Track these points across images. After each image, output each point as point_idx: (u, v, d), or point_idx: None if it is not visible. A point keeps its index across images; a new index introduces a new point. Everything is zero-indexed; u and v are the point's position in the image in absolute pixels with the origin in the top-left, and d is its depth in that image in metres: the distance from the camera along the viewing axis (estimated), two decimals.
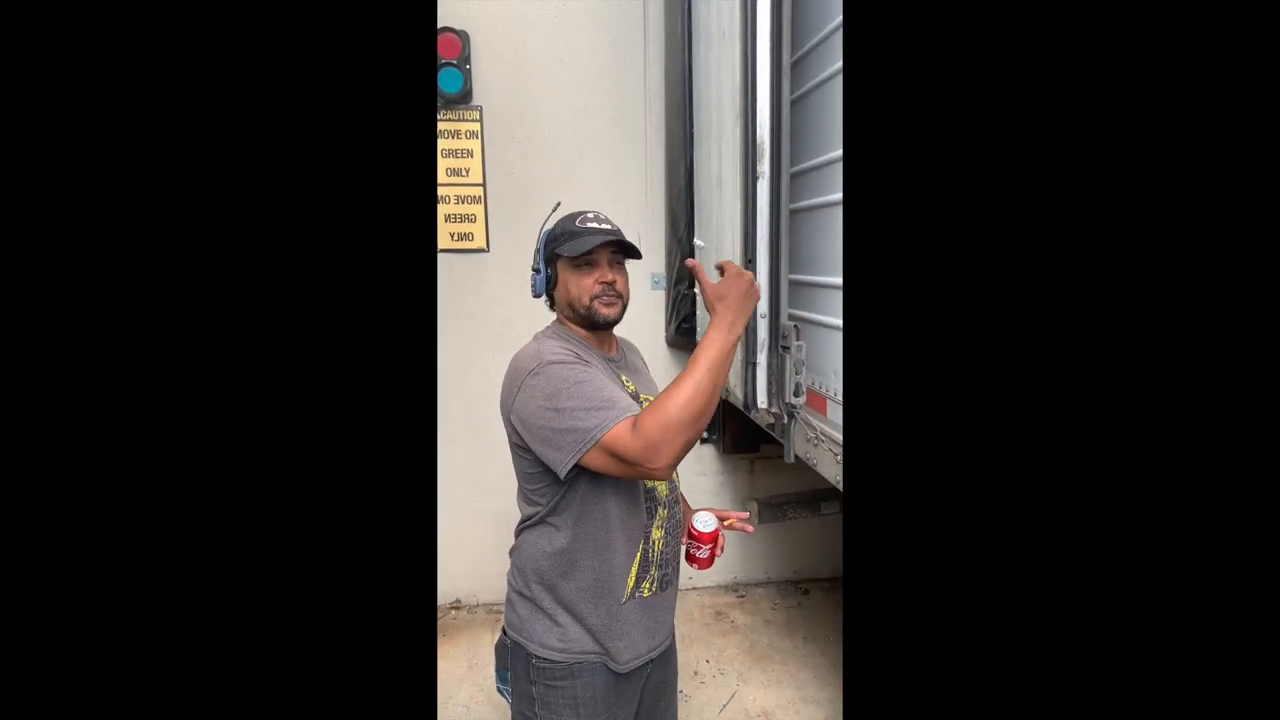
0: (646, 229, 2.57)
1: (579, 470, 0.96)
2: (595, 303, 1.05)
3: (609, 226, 1.06)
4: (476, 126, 2.45)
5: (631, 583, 1.05)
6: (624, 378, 1.11)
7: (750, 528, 1.21)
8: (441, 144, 2.44)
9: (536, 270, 1.10)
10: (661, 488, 1.10)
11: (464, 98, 2.39)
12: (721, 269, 0.98)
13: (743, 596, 2.78)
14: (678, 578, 1.15)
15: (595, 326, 1.08)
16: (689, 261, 1.03)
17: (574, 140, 2.51)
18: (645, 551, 1.07)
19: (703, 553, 1.13)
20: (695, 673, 2.26)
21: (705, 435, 2.70)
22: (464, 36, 2.34)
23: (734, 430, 2.56)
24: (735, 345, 0.95)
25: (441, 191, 2.47)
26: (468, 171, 2.47)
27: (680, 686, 2.16)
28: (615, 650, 1.04)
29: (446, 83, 2.33)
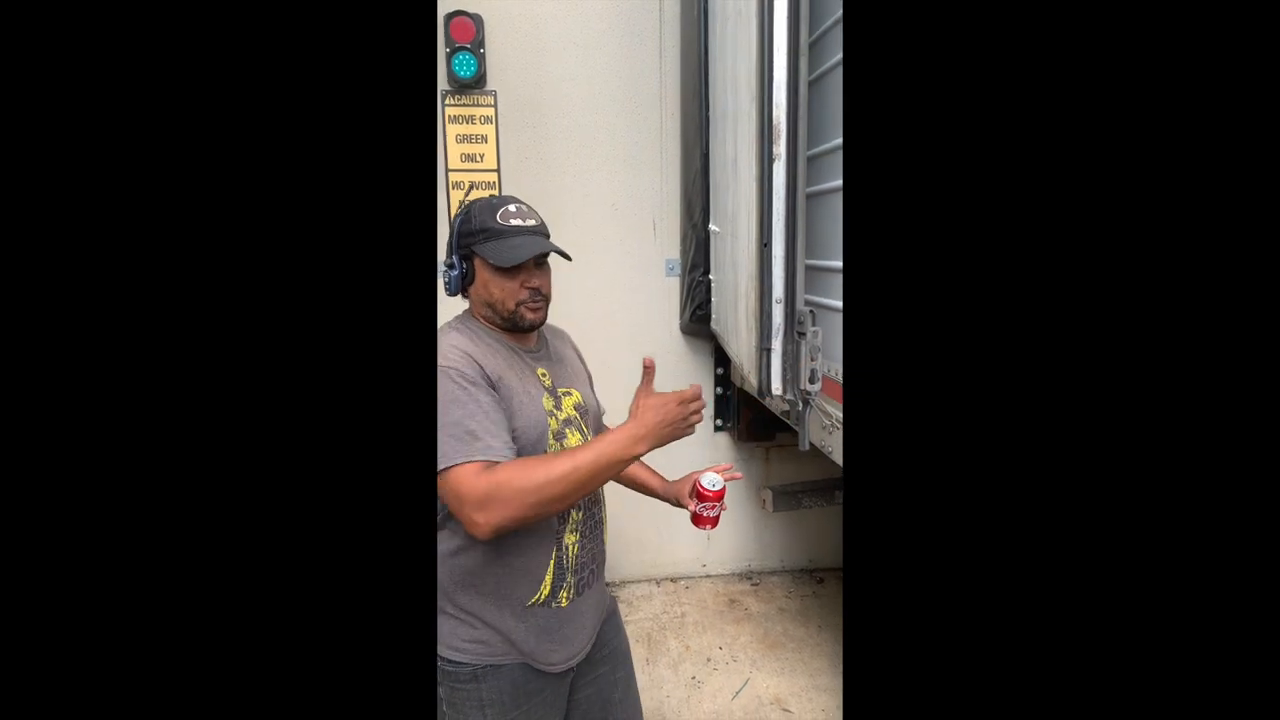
0: (661, 214, 2.55)
1: None
2: (521, 308, 0.99)
3: (534, 222, 1.00)
4: (491, 111, 2.44)
5: (546, 591, 1.00)
6: (540, 370, 1.05)
7: (739, 475, 1.18)
8: (456, 129, 2.44)
9: (450, 266, 1.01)
10: None
11: (478, 82, 2.38)
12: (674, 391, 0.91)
13: (757, 584, 2.78)
14: (600, 576, 1.11)
15: (519, 330, 1.02)
16: (646, 360, 0.95)
17: (589, 125, 2.48)
18: (559, 559, 1.02)
19: (714, 511, 1.12)
20: (708, 659, 2.26)
21: (719, 423, 2.69)
22: (478, 20, 2.32)
23: (748, 418, 2.55)
24: (631, 462, 0.90)
25: (455, 177, 2.47)
26: (482, 157, 2.46)
27: (692, 673, 2.17)
28: (528, 652, 1.00)
29: (461, 67, 2.32)
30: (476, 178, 2.48)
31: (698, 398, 0.92)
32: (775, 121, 1.32)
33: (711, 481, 1.12)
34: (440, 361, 0.92)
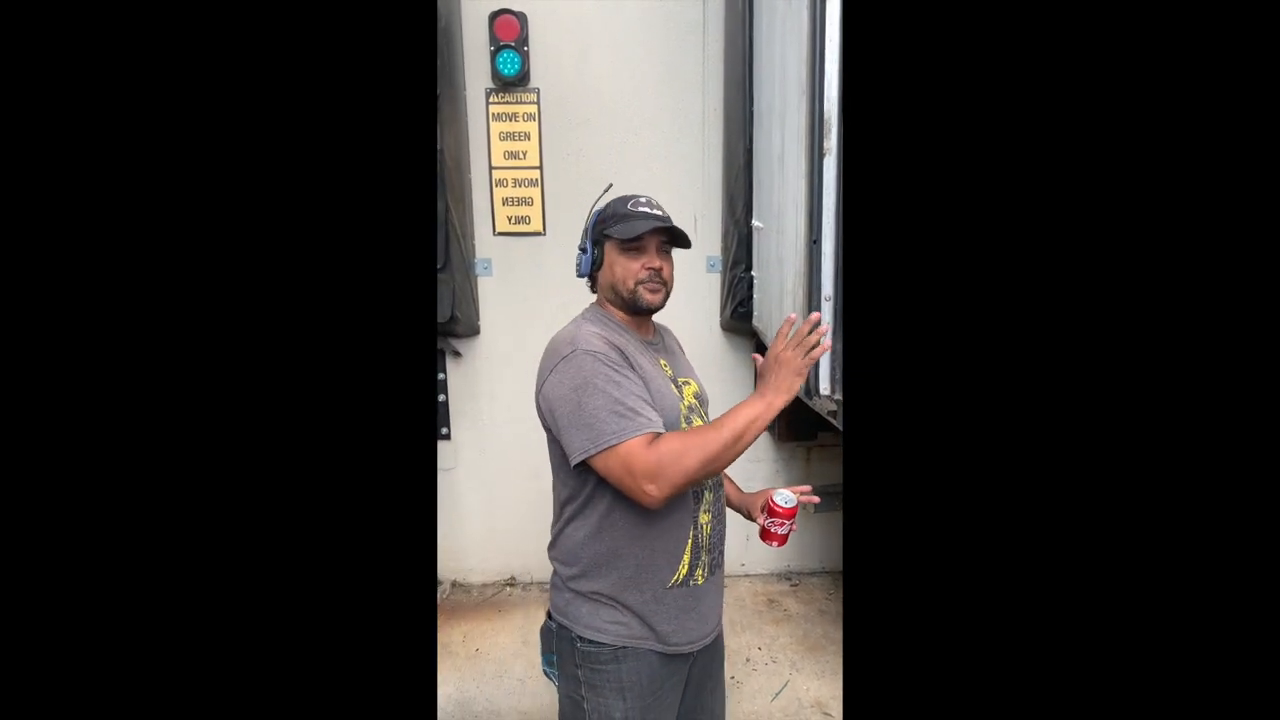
0: (703, 210, 2.53)
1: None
2: (640, 288, 1.04)
3: (660, 212, 1.06)
4: (534, 109, 2.45)
5: (684, 570, 1.04)
6: (662, 361, 1.10)
7: (816, 498, 1.21)
8: (499, 127, 2.46)
9: (583, 250, 1.10)
10: None
11: (522, 80, 2.39)
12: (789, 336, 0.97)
13: (796, 585, 2.74)
14: (724, 560, 1.14)
15: (637, 312, 1.07)
16: (790, 317, 0.98)
17: (630, 121, 2.48)
18: (695, 537, 1.05)
19: (784, 529, 1.12)
20: (747, 659, 2.24)
21: None
22: (522, 18, 2.33)
23: (788, 417, 2.50)
24: (773, 418, 0.97)
25: (499, 175, 2.49)
26: (525, 154, 2.48)
27: (731, 673, 2.15)
28: (665, 634, 1.03)
29: (505, 65, 2.34)
30: (519, 175, 2.50)
31: (808, 329, 0.95)
32: (826, 115, 1.29)
33: (785, 499, 1.12)
34: (585, 346, 0.98)
